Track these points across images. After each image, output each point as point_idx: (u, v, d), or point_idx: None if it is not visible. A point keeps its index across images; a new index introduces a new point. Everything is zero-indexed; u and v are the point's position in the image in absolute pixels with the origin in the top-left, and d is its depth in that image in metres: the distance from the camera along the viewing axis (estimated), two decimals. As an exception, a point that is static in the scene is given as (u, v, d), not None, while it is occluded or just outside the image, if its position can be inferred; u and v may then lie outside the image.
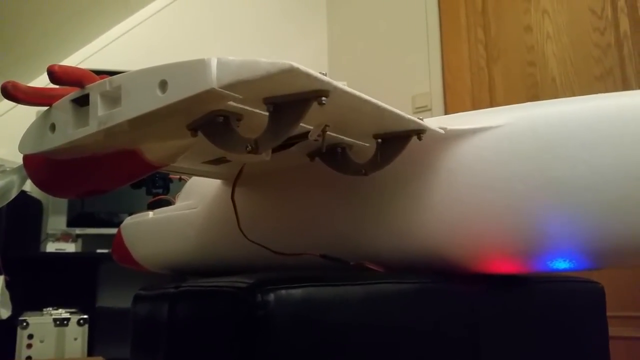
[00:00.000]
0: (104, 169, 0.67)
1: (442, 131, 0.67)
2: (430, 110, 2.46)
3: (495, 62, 2.25)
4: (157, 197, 1.09)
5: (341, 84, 0.50)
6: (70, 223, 2.39)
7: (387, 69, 2.67)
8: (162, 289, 0.82)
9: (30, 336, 1.76)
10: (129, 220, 1.09)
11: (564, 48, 2.03)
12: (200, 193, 0.92)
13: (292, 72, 0.45)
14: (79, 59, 2.56)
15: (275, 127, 0.52)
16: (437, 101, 2.43)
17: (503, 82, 2.21)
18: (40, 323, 1.79)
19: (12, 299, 1.99)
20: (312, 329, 0.58)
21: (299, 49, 2.97)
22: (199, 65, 0.49)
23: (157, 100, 0.52)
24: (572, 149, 0.64)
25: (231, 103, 0.53)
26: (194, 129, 0.57)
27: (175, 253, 0.96)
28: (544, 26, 2.10)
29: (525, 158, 0.66)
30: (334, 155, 0.70)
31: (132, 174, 0.68)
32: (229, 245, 0.82)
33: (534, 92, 2.10)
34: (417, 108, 2.50)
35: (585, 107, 0.66)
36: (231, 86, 0.47)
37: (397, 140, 0.66)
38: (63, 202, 2.42)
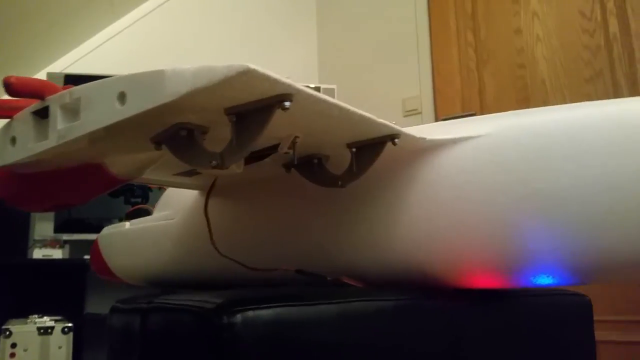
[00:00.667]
0: (69, 183, 0.64)
1: (416, 135, 0.65)
2: (420, 113, 2.45)
3: (485, 65, 2.23)
4: (135, 207, 1.06)
5: (304, 87, 0.47)
6: (58, 229, 2.36)
7: (377, 72, 2.65)
8: (135, 303, 0.80)
9: (14, 345, 1.72)
10: (105, 231, 1.06)
11: (553, 50, 2.02)
12: (177, 203, 0.90)
13: (249, 75, 0.42)
14: (66, 63, 2.53)
15: (240, 139, 0.49)
16: (428, 104, 2.41)
17: (493, 85, 2.19)
18: (24, 332, 1.75)
19: (-4, 306, 1.96)
20: (282, 351, 0.55)
21: (288, 54, 2.94)
22: (156, 77, 0.46)
23: (116, 113, 0.49)
24: (555, 160, 0.62)
25: (194, 115, 0.50)
26: (157, 142, 0.54)
27: (151, 265, 0.93)
28: (533, 29, 2.08)
29: (507, 169, 0.63)
30: (310, 167, 0.68)
31: (98, 188, 0.66)
32: (205, 259, 0.80)
33: (524, 95, 2.08)
34: (407, 111, 2.48)
35: (569, 116, 0.64)
36: (189, 96, 0.45)
37: (371, 148, 0.64)
38: (50, 208, 2.38)
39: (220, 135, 0.54)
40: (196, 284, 0.89)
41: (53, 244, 2.31)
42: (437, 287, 0.69)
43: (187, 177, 0.72)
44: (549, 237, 0.62)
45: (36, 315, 1.90)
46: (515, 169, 0.63)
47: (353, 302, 0.61)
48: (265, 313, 0.55)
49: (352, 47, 2.81)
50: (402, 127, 0.68)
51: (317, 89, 2.43)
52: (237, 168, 0.63)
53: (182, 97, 0.45)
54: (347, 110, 0.54)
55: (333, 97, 2.47)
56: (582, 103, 0.65)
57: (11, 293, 2.13)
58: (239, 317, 0.54)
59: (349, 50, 2.83)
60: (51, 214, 2.37)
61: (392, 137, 0.63)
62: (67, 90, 0.55)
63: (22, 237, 2.42)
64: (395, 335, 0.63)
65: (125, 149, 0.58)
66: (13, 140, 0.59)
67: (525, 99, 2.06)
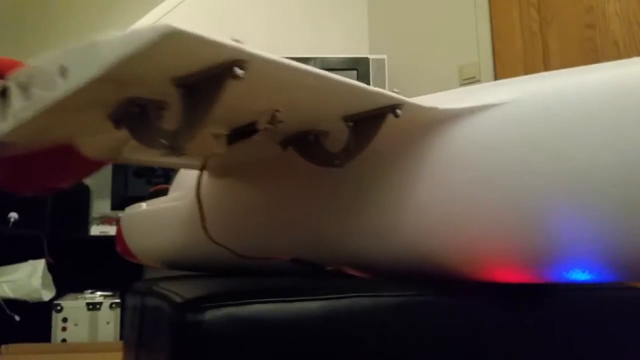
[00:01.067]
0: (49, 165, 0.60)
1: (425, 105, 0.56)
2: (479, 81, 2.28)
3: (549, 26, 2.03)
4: (156, 187, 1.03)
5: (259, 51, 0.40)
6: (115, 206, 2.41)
7: (431, 38, 2.49)
8: (142, 285, 0.79)
9: (65, 319, 1.78)
10: (126, 211, 1.04)
11: (628, 7, 1.80)
12: (186, 184, 0.85)
13: (176, 37, 0.35)
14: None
15: (192, 115, 0.43)
16: (487, 71, 2.25)
17: (558, 48, 2.00)
18: (74, 307, 1.81)
19: (56, 281, 2.04)
20: (253, 354, 0.49)
21: (336, 23, 2.82)
22: (90, 47, 0.41)
23: (59, 88, 0.44)
24: (593, 132, 0.51)
25: (143, 88, 0.44)
26: (115, 120, 0.49)
27: (163, 248, 0.90)
28: (603, -18, 1.86)
29: (534, 143, 0.53)
30: (306, 144, 0.60)
31: (77, 170, 0.62)
32: (205, 244, 0.75)
33: (593, 58, 1.88)
34: (464, 80, 2.32)
35: (611, 77, 0.53)
36: (122, 65, 0.38)
37: (370, 121, 0.55)
38: (107, 186, 2.44)
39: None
40: (202, 269, 0.84)
41: (110, 220, 2.37)
42: (453, 280, 0.61)
43: (175, 156, 0.67)
44: (584, 225, 0.52)
45: (89, 291, 1.96)
46: (544, 143, 0.53)
47: (345, 298, 0.54)
48: (237, 310, 0.49)
49: (404, 13, 2.66)
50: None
51: (366, 59, 2.32)
52: (218, 148, 0.57)
53: (113, 66, 0.38)
54: (326, 79, 0.46)
55: (383, 68, 2.38)
56: (628, 60, 0.54)
57: (71, 269, 2.20)
58: (206, 315, 0.48)
59: (401, 16, 2.68)
60: (108, 192, 2.43)
61: (393, 107, 0.54)
62: (24, 67, 0.50)
63: (84, 215, 2.50)
64: (397, 338, 0.55)
65: (89, 128, 0.53)
66: (-20, 122, 0.56)
67: (595, 63, 1.86)
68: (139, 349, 0.70)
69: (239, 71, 0.39)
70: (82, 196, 2.52)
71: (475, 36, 2.30)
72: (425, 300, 0.58)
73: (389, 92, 0.53)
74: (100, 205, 2.49)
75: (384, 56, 2.38)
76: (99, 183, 2.45)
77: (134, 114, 0.46)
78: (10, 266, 1.89)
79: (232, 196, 0.76)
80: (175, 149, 0.44)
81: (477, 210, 0.56)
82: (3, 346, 1.58)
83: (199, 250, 0.78)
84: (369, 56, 2.39)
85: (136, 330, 0.72)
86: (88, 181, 2.51)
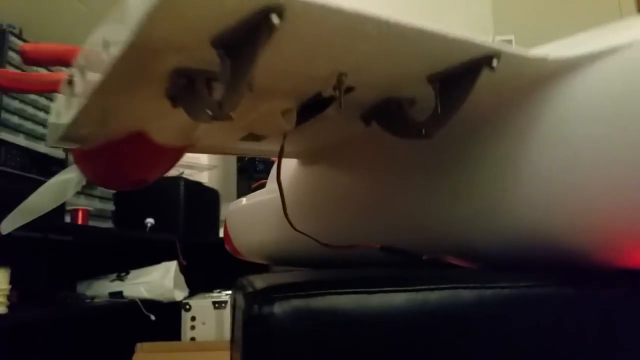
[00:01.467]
0: (123, 156, 0.59)
1: (530, 54, 0.46)
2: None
3: None
4: (259, 182, 1.00)
5: None
6: (239, 209, 2.48)
7: (562, 18, 2.25)
8: (238, 280, 0.76)
9: (194, 318, 1.85)
10: (229, 208, 1.03)
11: None
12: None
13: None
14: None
15: (232, 77, 0.38)
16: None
17: None
18: (201, 306, 1.87)
19: (189, 282, 2.14)
20: (326, 352, 0.42)
21: (460, 3, 2.66)
22: (121, 13, 0.37)
23: (103, 64, 0.41)
24: None
25: (184, 56, 0.40)
26: (170, 97, 0.45)
27: (259, 241, 0.87)
28: None
29: None
30: (389, 116, 0.53)
31: (155, 160, 0.60)
32: (295, 234, 0.70)
33: None
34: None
35: None
36: (150, 27, 0.34)
37: (462, 78, 0.46)
38: (233, 190, 2.53)
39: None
40: (295, 263, 0.79)
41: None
42: (580, 269, 0.49)
43: (255, 142, 0.62)
44: None
45: (217, 290, 2.02)
46: None
47: (440, 289, 0.45)
48: (305, 302, 0.43)
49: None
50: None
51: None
52: (287, 124, 0.52)
53: (140, 27, 0.34)
54: (389, 24, 0.38)
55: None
56: None
57: (202, 269, 2.29)
58: (274, 307, 0.43)
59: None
60: (234, 195, 2.51)
61: (488, 59, 0.44)
62: (81, 51, 0.49)
63: (213, 218, 2.61)
64: (507, 339, 0.45)
65: (150, 111, 0.51)
66: (58, 115, 0.56)
67: None
68: (232, 342, 0.68)
69: (275, 19, 0.33)
70: (212, 200, 2.63)
71: (613, 14, 2.03)
72: (545, 293, 0.47)
73: (481, 39, 0.43)
74: (227, 209, 2.58)
75: (511, 37, 2.19)
76: (226, 188, 2.55)
77: (182, 86, 0.42)
78: (146, 268, 2.01)
79: (322, 183, 0.70)
80: (219, 118, 0.39)
81: (609, 179, 0.44)
82: (138, 344, 1.68)
83: (288, 242, 0.74)
84: (495, 37, 2.22)
85: (230, 324, 0.70)
86: (216, 185, 2.63)
